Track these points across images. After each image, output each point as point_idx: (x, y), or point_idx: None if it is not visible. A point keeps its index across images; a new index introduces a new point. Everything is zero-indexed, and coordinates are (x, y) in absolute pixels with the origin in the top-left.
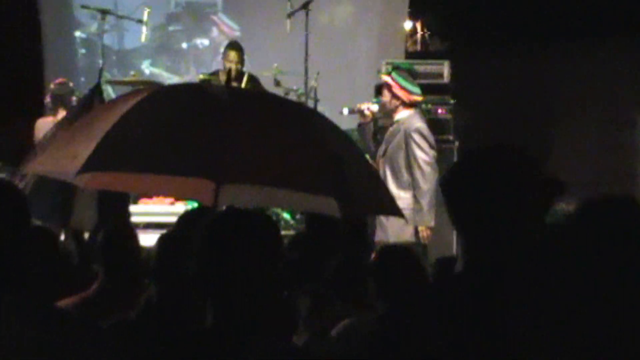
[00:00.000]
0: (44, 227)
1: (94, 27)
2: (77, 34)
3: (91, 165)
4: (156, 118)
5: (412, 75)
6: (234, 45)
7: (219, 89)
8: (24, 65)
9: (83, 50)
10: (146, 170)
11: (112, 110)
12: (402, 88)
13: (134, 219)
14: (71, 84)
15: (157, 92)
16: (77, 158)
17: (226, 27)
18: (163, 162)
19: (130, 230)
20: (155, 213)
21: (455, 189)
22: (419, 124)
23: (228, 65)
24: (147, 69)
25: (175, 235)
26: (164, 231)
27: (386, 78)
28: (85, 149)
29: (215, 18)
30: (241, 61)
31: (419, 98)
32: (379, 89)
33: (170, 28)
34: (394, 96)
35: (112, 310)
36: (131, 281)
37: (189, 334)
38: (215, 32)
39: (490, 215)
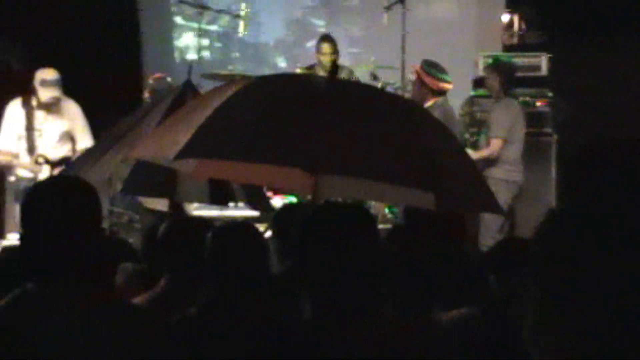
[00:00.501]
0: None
1: (224, 21)
2: (212, 27)
3: (189, 151)
4: (254, 107)
5: (508, 67)
6: (326, 38)
7: (318, 79)
8: (123, 60)
9: (219, 44)
10: (243, 159)
11: (210, 100)
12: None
13: (231, 213)
14: (169, 79)
15: (255, 83)
16: (177, 144)
17: None
18: (260, 151)
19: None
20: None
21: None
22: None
23: (322, 58)
24: (281, 63)
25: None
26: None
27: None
28: (184, 136)
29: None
30: (335, 52)
31: (448, 85)
32: (476, 82)
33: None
34: (423, 84)
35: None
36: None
37: (287, 327)
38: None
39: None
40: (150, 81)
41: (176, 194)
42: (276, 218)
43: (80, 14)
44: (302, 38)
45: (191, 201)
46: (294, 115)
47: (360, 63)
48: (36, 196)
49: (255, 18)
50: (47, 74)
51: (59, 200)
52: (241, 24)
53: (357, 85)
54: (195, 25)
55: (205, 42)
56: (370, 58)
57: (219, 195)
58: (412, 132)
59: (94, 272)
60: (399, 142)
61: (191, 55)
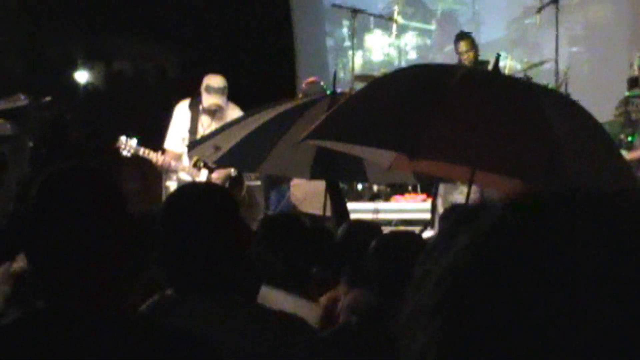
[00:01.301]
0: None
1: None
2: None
3: (315, 134)
4: (380, 96)
5: None
6: (461, 36)
7: (450, 70)
8: (277, 65)
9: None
10: (356, 142)
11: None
12: None
13: (385, 216)
14: (322, 83)
15: (390, 75)
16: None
17: None
18: (374, 135)
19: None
20: (407, 210)
21: None
22: None
23: (461, 57)
24: (502, 61)
25: (401, 236)
26: (416, 228)
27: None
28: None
29: None
30: (473, 48)
31: None
32: (631, 82)
33: (527, 21)
34: None
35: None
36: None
37: None
38: None
39: None
40: (304, 85)
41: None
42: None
43: (234, 21)
44: (522, 36)
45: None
46: (412, 104)
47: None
48: (174, 204)
49: (476, 18)
50: (212, 81)
51: (196, 207)
52: (394, 27)
53: (489, 75)
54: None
55: (428, 41)
56: (524, 59)
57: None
58: (535, 125)
59: (233, 280)
60: (517, 135)
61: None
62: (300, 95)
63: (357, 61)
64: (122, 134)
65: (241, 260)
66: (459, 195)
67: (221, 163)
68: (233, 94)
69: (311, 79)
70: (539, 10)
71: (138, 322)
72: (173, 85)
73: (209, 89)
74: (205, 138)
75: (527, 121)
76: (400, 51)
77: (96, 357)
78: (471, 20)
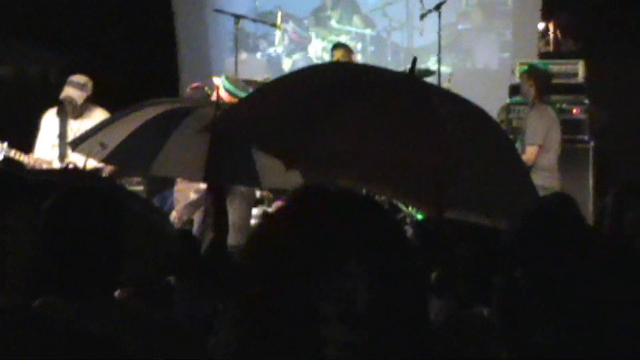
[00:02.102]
0: None
1: (382, 25)
2: (366, 30)
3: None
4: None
5: (543, 74)
6: (335, 47)
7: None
8: (161, 69)
9: (372, 48)
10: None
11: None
12: (227, 91)
13: None
14: (206, 88)
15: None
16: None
17: None
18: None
19: None
20: None
21: None
22: None
23: None
24: (433, 66)
25: None
26: None
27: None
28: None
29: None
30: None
31: None
32: (513, 90)
33: (460, 27)
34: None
35: None
36: None
37: None
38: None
39: None
40: (188, 90)
41: None
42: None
43: (117, 26)
44: (454, 42)
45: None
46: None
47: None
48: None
49: (410, 22)
50: (72, 77)
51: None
52: (277, 34)
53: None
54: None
55: (359, 45)
56: (406, 66)
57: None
58: (429, 135)
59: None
60: (409, 149)
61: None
62: None
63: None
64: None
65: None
66: None
67: (109, 162)
68: (116, 99)
69: (195, 84)
70: (422, 16)
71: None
72: (56, 90)
73: (67, 83)
74: (89, 134)
75: (418, 133)
76: (479, 48)
77: None
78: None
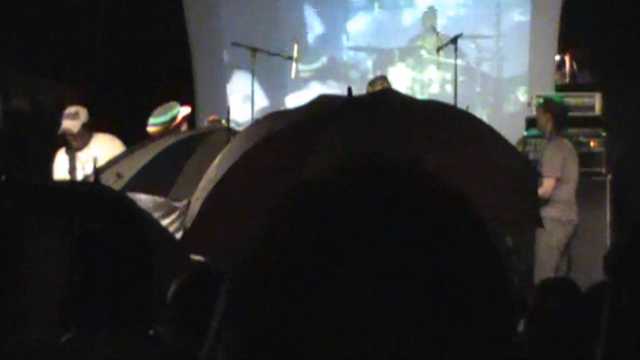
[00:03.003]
0: None
1: (472, 56)
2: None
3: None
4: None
5: (560, 107)
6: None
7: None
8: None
9: (462, 78)
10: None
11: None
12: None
13: None
14: (223, 121)
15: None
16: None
17: None
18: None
19: None
20: None
21: None
22: None
23: None
24: (521, 96)
25: None
26: None
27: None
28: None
29: None
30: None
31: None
32: (529, 122)
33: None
34: None
35: None
36: None
37: None
38: None
39: None
40: (206, 123)
41: None
42: None
43: (133, 56)
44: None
45: None
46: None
47: None
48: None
49: (499, 52)
50: (65, 110)
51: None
52: (293, 66)
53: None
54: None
55: (448, 75)
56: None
57: None
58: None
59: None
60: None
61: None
62: None
63: None
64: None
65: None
66: None
67: (127, 191)
68: (134, 134)
69: (213, 117)
70: (439, 49)
71: None
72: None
73: (62, 117)
74: (108, 165)
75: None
76: (424, 85)
77: None
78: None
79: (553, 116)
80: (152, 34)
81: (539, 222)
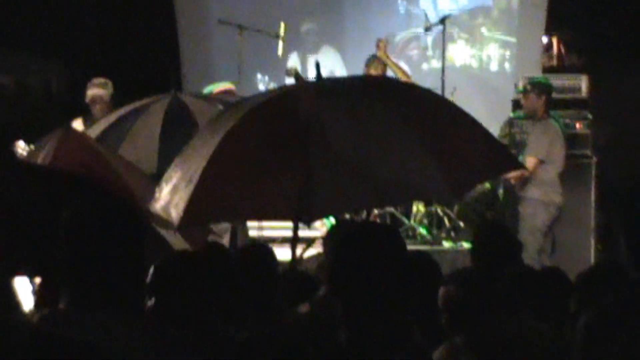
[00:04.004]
0: None
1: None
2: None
3: (186, 223)
4: (241, 163)
5: (550, 89)
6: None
7: (301, 101)
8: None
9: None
10: (235, 219)
11: (200, 151)
12: None
13: (270, 233)
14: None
15: (241, 126)
16: (176, 209)
17: None
18: (252, 210)
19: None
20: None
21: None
22: None
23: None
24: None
25: None
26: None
27: None
28: (181, 200)
29: None
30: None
31: None
32: (516, 104)
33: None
34: None
35: None
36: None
37: (323, 353)
38: None
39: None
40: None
41: None
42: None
43: (119, 35)
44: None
45: None
46: (279, 160)
47: None
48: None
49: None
50: (94, 79)
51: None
52: (280, 45)
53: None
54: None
55: (507, 53)
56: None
57: None
58: (402, 121)
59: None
60: (392, 139)
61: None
62: None
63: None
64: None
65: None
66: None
67: None
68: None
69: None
70: (427, 30)
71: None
72: (58, 100)
73: (89, 86)
74: None
75: (390, 124)
76: (482, 62)
77: None
78: None
79: (545, 97)
80: (140, 11)
81: (517, 165)
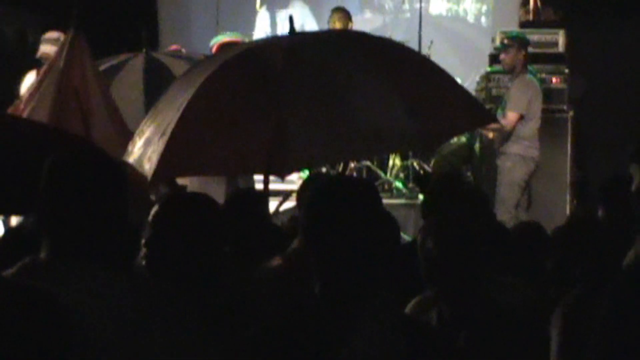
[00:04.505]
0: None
1: None
2: None
3: (159, 176)
4: (213, 116)
5: (528, 43)
6: (336, 10)
7: (272, 55)
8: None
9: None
10: (209, 172)
11: (173, 104)
12: None
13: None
14: (183, 50)
15: (212, 79)
16: (149, 162)
17: None
18: (225, 163)
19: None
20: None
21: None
22: None
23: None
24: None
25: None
26: (278, 199)
27: None
28: (154, 152)
29: None
30: (345, 25)
31: None
32: (493, 59)
33: None
34: None
35: None
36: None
37: (297, 306)
38: None
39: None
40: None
41: None
42: (301, 191)
43: None
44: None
45: None
46: (251, 115)
47: None
48: (59, 169)
49: None
50: (47, 34)
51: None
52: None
53: (316, 44)
54: None
55: (484, 7)
56: (387, 33)
57: None
58: (375, 74)
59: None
60: (365, 92)
61: None
62: None
63: None
64: None
65: (121, 229)
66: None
67: None
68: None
69: (173, 46)
70: None
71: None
72: (33, 50)
73: (42, 41)
74: None
75: (364, 76)
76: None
77: None
78: None
79: (524, 51)
80: None
81: (491, 118)
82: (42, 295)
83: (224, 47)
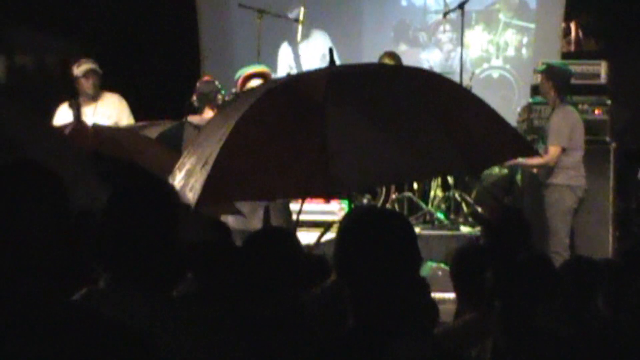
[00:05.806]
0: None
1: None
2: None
3: (203, 203)
4: (255, 143)
5: (561, 73)
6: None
7: (316, 82)
8: (183, 62)
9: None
10: (253, 198)
11: (213, 137)
12: None
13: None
14: (216, 82)
15: (256, 107)
16: (192, 191)
17: None
18: (271, 189)
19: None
20: (309, 211)
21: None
22: None
23: None
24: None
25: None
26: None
27: None
28: (197, 181)
29: None
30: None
31: None
32: (534, 90)
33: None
34: None
35: None
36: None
37: (331, 337)
38: None
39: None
40: (198, 84)
41: None
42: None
43: (139, 15)
44: None
45: None
46: (295, 141)
47: None
48: (120, 198)
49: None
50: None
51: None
52: (299, 29)
53: (358, 73)
54: None
55: (525, 39)
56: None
57: None
58: (415, 102)
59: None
60: (406, 118)
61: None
62: (194, 95)
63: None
64: None
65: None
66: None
67: None
68: (138, 91)
69: (206, 77)
70: (445, 15)
71: (77, 310)
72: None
73: (80, 62)
74: None
75: (409, 105)
76: (499, 48)
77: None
78: None
79: (554, 82)
80: None
81: (531, 151)
82: (140, 338)
83: (249, 78)
